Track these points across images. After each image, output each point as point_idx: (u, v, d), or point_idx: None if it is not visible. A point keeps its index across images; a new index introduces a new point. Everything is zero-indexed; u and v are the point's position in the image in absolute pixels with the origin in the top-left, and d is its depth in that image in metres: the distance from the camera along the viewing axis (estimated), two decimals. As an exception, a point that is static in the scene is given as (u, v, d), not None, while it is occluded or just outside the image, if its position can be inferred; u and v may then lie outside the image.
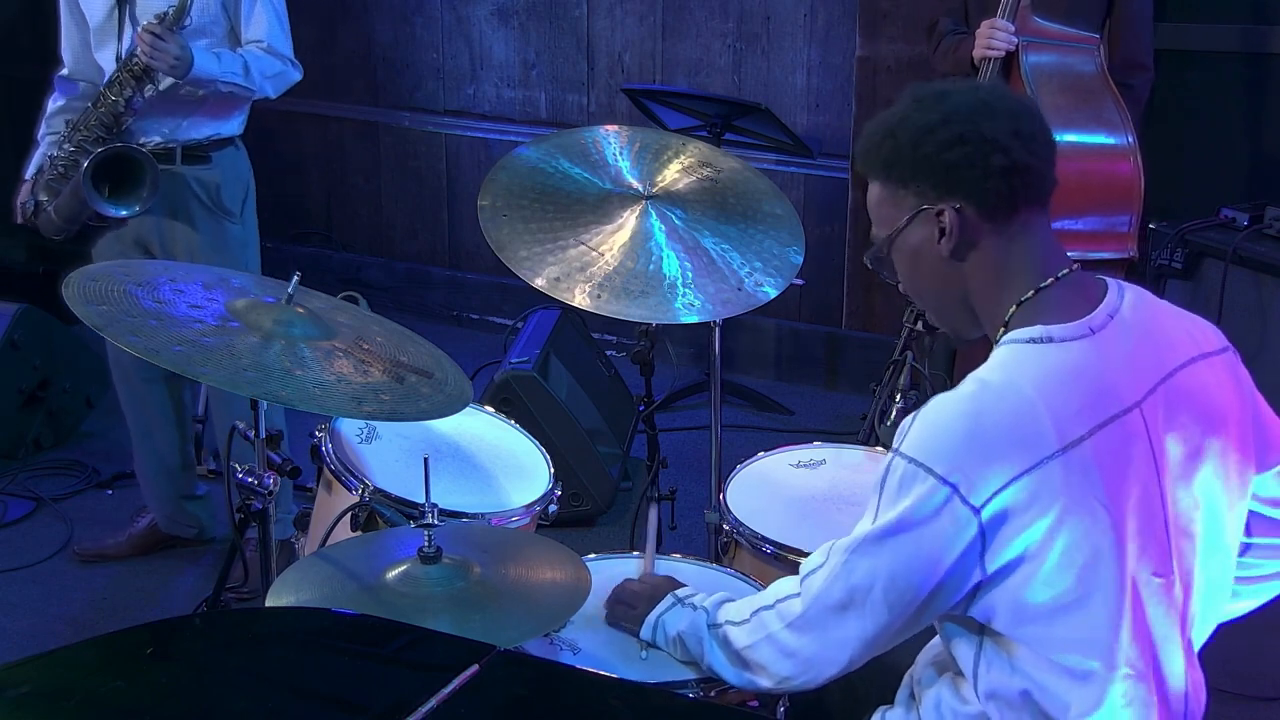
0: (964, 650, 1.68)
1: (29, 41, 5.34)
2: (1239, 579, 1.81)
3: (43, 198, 3.29)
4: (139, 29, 3.08)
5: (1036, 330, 1.63)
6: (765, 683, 1.76)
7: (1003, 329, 1.66)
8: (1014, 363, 1.61)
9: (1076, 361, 1.61)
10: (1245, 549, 1.79)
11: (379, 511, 2.24)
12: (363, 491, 2.27)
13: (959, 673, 1.71)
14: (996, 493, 1.54)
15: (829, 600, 1.66)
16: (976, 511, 1.54)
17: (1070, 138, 3.14)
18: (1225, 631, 1.80)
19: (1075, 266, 1.69)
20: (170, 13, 3.05)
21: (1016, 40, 3.15)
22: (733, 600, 1.88)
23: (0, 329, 4.15)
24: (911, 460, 1.58)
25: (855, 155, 1.75)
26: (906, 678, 1.86)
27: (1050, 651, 1.60)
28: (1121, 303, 1.67)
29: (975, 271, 1.68)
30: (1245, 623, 1.89)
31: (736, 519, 2.31)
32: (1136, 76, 3.39)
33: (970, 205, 1.65)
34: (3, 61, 5.42)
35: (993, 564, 1.57)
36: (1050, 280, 1.66)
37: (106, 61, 3.23)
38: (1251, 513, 1.77)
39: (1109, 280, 1.72)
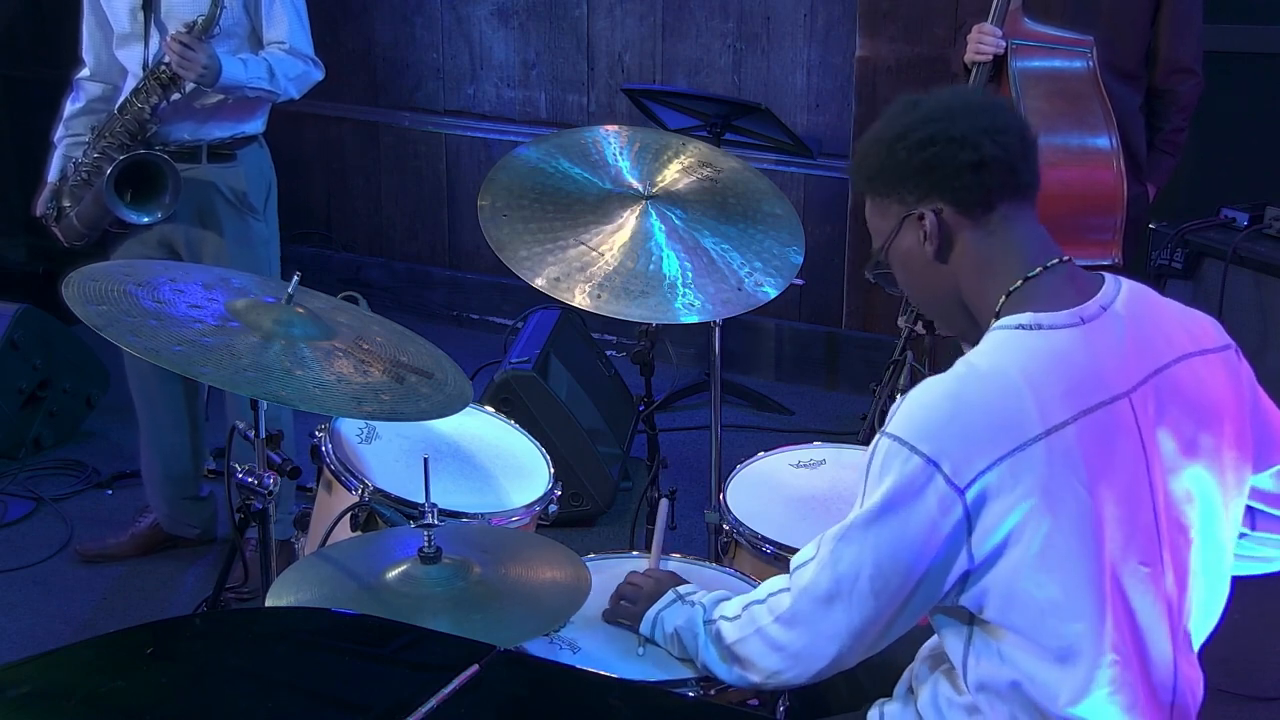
0: (954, 642, 1.69)
1: (29, 41, 5.35)
2: (1246, 557, 1.82)
3: (66, 204, 3.29)
4: (167, 38, 3.07)
5: (1026, 317, 1.64)
6: (755, 678, 1.77)
7: (994, 318, 1.68)
8: (1002, 348, 1.63)
9: (1064, 349, 1.62)
10: (1245, 537, 1.80)
11: (379, 511, 2.24)
12: (363, 491, 2.28)
13: (952, 665, 1.72)
14: (980, 474, 1.55)
15: (817, 591, 1.66)
16: (961, 492, 1.55)
17: (1053, 142, 3.08)
18: (1225, 631, 1.80)
19: (1067, 258, 1.70)
20: (199, 22, 3.06)
21: (1004, 44, 3.13)
22: (731, 598, 1.88)
23: (0, 329, 4.15)
24: (896, 439, 1.59)
25: (849, 174, 1.80)
26: (906, 673, 1.86)
27: (1037, 638, 1.60)
28: (1117, 296, 1.69)
29: (962, 269, 1.71)
30: (1245, 623, 1.89)
31: (736, 519, 2.31)
32: (1181, 82, 3.34)
33: (947, 205, 1.68)
34: (3, 62, 5.43)
35: (980, 550, 1.57)
36: (1038, 270, 1.68)
37: (130, 62, 3.23)
38: (1256, 510, 1.79)
39: (1108, 276, 1.73)
